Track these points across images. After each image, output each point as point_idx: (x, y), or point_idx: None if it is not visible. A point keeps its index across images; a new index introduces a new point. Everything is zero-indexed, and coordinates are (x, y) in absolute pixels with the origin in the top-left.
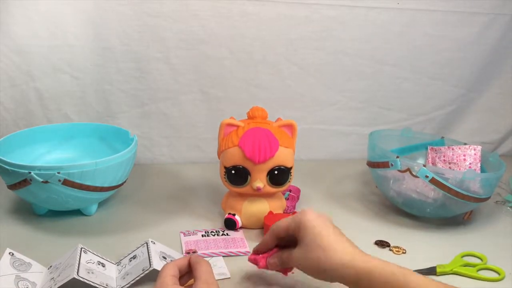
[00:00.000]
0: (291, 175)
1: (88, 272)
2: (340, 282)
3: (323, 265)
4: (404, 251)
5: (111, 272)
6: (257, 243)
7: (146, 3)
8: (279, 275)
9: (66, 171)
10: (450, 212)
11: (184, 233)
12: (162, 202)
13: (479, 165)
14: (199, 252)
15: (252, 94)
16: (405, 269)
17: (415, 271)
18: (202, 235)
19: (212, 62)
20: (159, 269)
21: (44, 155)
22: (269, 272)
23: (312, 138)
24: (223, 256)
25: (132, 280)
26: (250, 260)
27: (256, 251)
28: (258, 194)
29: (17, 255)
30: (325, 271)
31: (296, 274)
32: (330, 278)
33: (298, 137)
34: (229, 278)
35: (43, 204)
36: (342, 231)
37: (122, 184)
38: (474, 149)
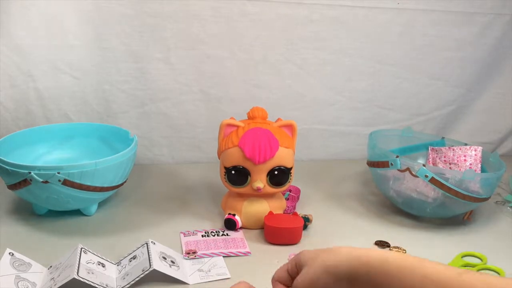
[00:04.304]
0: (291, 175)
1: (88, 272)
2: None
3: (328, 263)
4: (404, 251)
5: (111, 272)
6: (257, 244)
7: (146, 3)
8: None
9: (66, 171)
10: (450, 212)
11: (184, 233)
12: (162, 202)
13: (479, 165)
14: (199, 253)
15: (252, 94)
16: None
17: None
18: (202, 235)
19: (212, 62)
20: (158, 269)
21: (44, 155)
22: (271, 271)
23: (312, 138)
24: (223, 256)
25: (132, 281)
26: None
27: None
28: (258, 194)
29: (17, 255)
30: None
31: None
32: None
33: (298, 137)
34: (230, 278)
35: (43, 204)
36: (342, 231)
37: (122, 184)
38: (475, 150)
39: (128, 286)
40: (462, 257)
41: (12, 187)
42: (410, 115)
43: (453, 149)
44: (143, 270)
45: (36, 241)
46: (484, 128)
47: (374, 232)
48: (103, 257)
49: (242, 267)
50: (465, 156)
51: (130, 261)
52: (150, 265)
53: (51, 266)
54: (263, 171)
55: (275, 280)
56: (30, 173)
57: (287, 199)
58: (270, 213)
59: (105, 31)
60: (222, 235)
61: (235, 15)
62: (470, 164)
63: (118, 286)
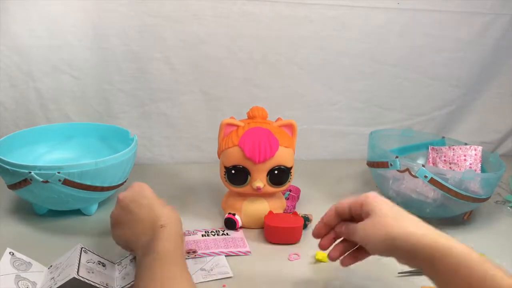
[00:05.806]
0: (291, 175)
1: (88, 272)
2: (403, 257)
3: (392, 232)
4: None
5: (112, 272)
6: (257, 243)
7: (146, 3)
8: (282, 273)
9: (66, 171)
10: (449, 212)
11: (184, 233)
12: None
13: (479, 165)
14: (199, 252)
15: (252, 94)
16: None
17: (414, 271)
18: (202, 235)
19: (212, 62)
20: None
21: (44, 155)
22: (271, 270)
23: (312, 138)
24: (224, 256)
25: (132, 281)
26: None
27: (318, 233)
28: (258, 194)
29: (17, 254)
30: (394, 238)
31: (303, 275)
32: (394, 249)
33: (298, 137)
34: (232, 277)
35: (43, 204)
36: None
37: (122, 184)
38: (475, 150)
39: (128, 286)
40: None
41: (12, 187)
42: (410, 115)
43: (453, 149)
44: None
45: (36, 240)
46: (484, 128)
47: None
48: (104, 257)
49: (242, 266)
50: (465, 155)
51: (131, 261)
52: None
53: (51, 266)
54: (263, 170)
55: (335, 206)
56: (30, 172)
57: (287, 198)
58: (270, 212)
59: (105, 31)
60: (222, 234)
61: (235, 15)
62: (470, 164)
63: (118, 286)
